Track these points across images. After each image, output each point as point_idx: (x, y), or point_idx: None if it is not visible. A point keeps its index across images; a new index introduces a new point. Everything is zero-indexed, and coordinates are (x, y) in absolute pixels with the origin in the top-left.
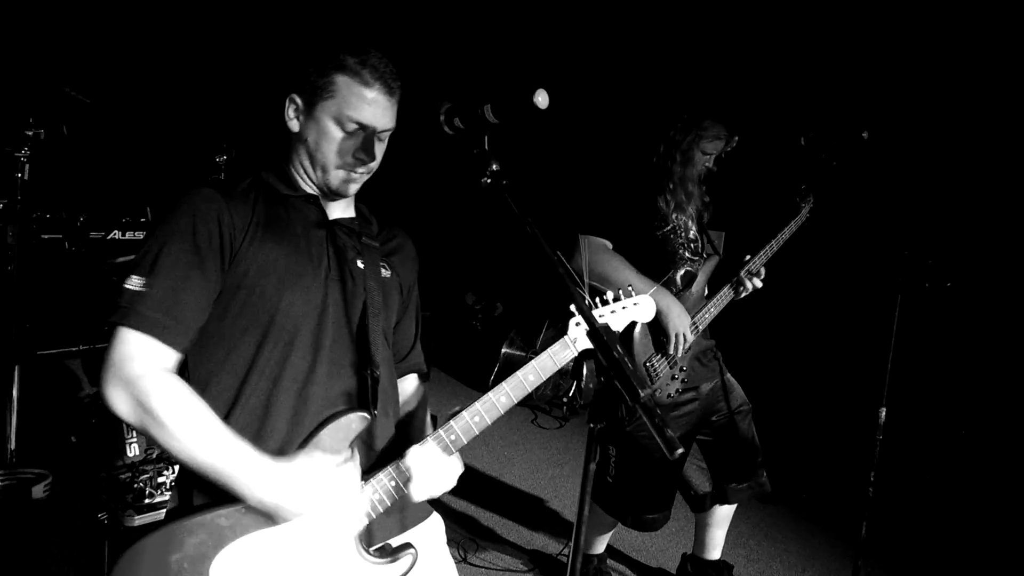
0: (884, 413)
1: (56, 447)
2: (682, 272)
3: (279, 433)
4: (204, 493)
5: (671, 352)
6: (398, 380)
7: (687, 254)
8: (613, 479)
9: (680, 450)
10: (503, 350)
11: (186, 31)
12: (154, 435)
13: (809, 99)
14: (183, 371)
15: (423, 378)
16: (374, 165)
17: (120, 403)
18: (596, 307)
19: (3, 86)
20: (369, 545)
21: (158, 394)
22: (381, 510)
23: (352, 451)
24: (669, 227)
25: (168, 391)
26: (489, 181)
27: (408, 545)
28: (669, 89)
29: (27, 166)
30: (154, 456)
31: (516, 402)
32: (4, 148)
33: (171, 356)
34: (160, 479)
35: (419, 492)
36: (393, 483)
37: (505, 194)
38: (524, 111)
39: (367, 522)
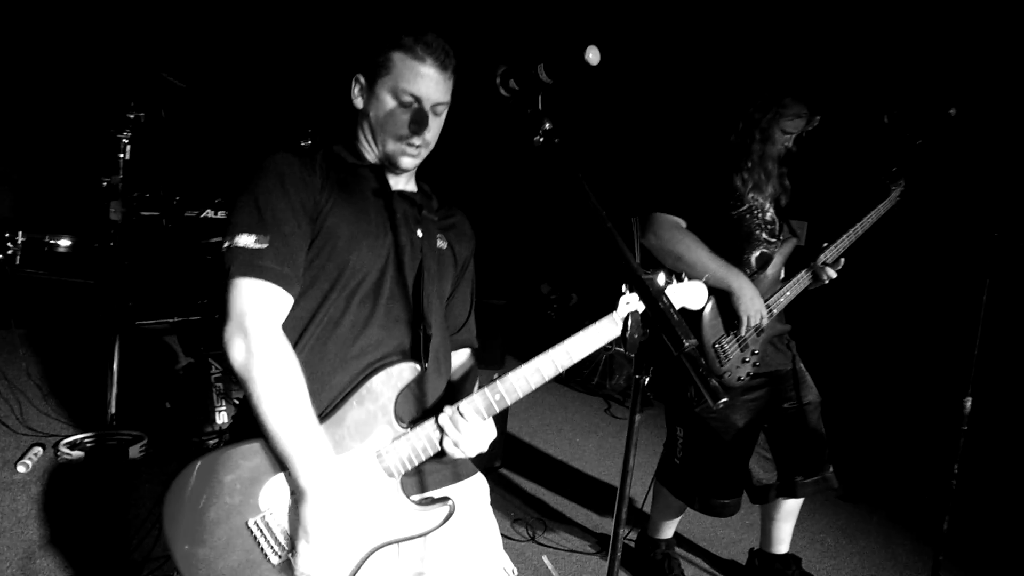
0: (969, 403)
1: (152, 412)
2: (757, 254)
3: (332, 371)
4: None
5: (742, 334)
6: (451, 353)
7: (763, 235)
8: (681, 461)
9: (725, 399)
10: None
11: (275, 23)
12: (247, 390)
13: (892, 74)
14: None
15: (475, 354)
16: (430, 138)
17: (237, 354)
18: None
19: (107, 72)
20: (422, 491)
21: (264, 359)
22: (424, 457)
23: (393, 402)
24: (745, 207)
25: (274, 359)
26: (541, 140)
27: (446, 499)
28: (744, 62)
29: (128, 147)
30: None
31: (561, 371)
32: (108, 130)
33: (288, 302)
34: None
35: (453, 448)
36: (436, 435)
37: (556, 152)
38: (576, 69)
39: (407, 470)
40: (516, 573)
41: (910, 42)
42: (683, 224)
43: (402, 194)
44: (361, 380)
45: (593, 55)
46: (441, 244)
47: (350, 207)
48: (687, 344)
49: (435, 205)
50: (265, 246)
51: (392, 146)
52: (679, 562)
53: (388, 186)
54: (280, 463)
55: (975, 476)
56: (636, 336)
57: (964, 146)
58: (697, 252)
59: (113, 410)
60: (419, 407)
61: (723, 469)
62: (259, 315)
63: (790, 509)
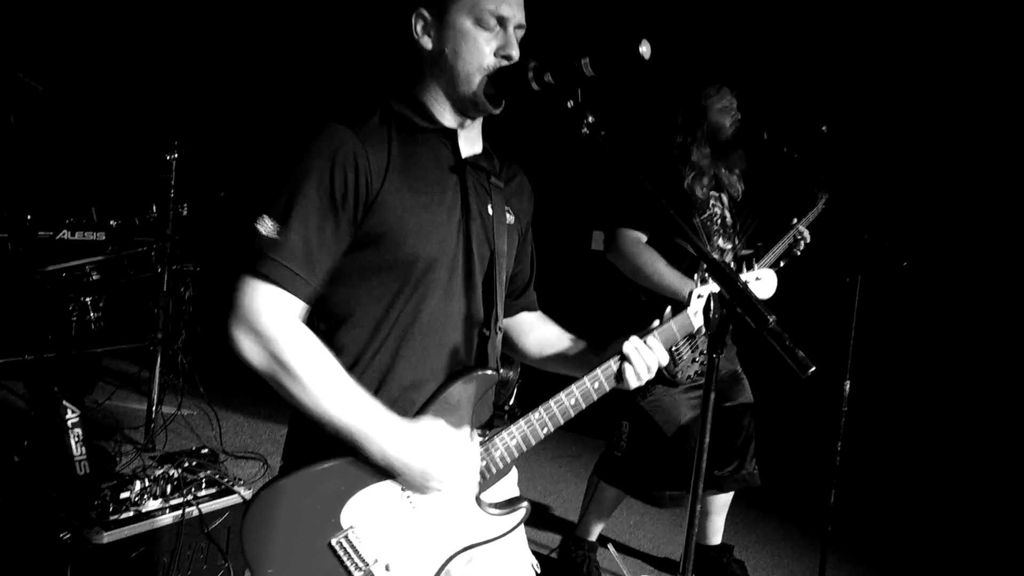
0: (848, 386)
1: None
2: None
3: (403, 386)
4: (314, 455)
5: (695, 338)
6: (513, 319)
7: (719, 242)
8: (622, 453)
9: (812, 368)
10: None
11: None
12: (286, 388)
13: (770, 97)
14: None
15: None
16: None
17: (251, 353)
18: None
19: None
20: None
21: (293, 349)
22: (501, 467)
23: (471, 411)
24: (706, 215)
25: (302, 346)
26: (588, 132)
27: (521, 499)
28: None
29: None
30: (113, 470)
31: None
32: None
33: (300, 307)
34: (123, 494)
35: (633, 378)
36: (518, 439)
37: (606, 144)
38: (628, 62)
39: (485, 479)
40: (539, 569)
41: (789, 66)
42: (643, 239)
43: (473, 163)
44: (438, 390)
45: (646, 49)
46: (509, 219)
47: (419, 193)
48: (771, 320)
49: (497, 166)
50: (280, 239)
51: (478, 81)
52: (598, 565)
53: (460, 158)
54: (359, 481)
55: (855, 453)
56: (716, 316)
57: (836, 159)
58: (655, 266)
59: None
60: (483, 413)
61: (666, 462)
62: (269, 315)
63: (722, 502)
